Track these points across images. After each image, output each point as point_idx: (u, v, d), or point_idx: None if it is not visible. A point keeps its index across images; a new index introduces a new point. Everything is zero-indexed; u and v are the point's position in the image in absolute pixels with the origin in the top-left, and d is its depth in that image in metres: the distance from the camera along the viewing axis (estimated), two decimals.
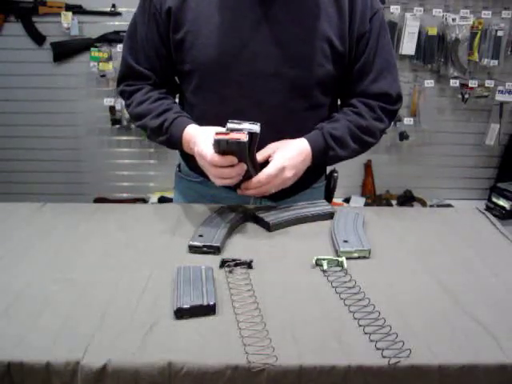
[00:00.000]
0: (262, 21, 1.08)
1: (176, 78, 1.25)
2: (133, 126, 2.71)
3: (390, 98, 1.18)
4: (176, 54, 1.15)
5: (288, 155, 1.08)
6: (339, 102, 1.28)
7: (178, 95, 1.29)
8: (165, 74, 1.21)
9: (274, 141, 1.12)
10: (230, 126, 0.94)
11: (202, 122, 1.15)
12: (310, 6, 1.09)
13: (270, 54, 1.09)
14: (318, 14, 1.09)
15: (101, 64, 2.58)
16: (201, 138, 1.03)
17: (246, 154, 0.96)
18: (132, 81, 1.21)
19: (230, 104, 1.13)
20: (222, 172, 0.99)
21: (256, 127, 0.95)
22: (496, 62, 2.60)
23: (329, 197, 1.34)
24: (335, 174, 1.33)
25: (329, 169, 1.35)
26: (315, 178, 1.30)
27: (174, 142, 1.13)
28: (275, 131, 1.10)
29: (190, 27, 1.09)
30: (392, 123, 2.80)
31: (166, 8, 1.10)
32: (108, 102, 2.67)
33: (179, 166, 1.37)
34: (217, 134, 0.93)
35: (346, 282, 0.86)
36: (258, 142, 0.98)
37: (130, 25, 1.20)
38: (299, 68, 1.10)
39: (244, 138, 0.92)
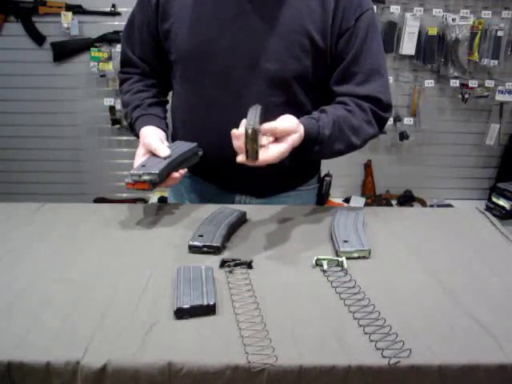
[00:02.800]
0: (241, 13, 1.09)
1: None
2: None
3: (380, 104, 1.13)
4: (164, 44, 1.18)
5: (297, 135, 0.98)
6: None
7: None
8: (155, 64, 1.25)
9: None
10: (133, 172, 1.02)
11: (187, 110, 1.22)
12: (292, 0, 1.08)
13: (246, 46, 1.10)
14: (299, 9, 1.08)
15: (101, 64, 2.58)
16: (138, 152, 1.11)
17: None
18: (126, 68, 1.28)
19: (209, 94, 1.16)
20: None
21: (152, 177, 1.00)
22: (496, 61, 2.60)
23: (321, 201, 1.32)
24: (328, 178, 1.29)
25: (322, 172, 1.34)
26: (303, 179, 1.29)
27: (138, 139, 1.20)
28: None
29: (175, 18, 1.13)
30: (392, 123, 2.81)
31: (155, 0, 1.14)
32: (108, 102, 2.67)
33: None
34: (127, 183, 1.03)
35: (346, 281, 0.86)
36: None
37: (130, 14, 1.25)
38: (275, 61, 1.10)
39: (148, 187, 1.02)
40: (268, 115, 1.11)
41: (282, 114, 1.11)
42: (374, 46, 1.12)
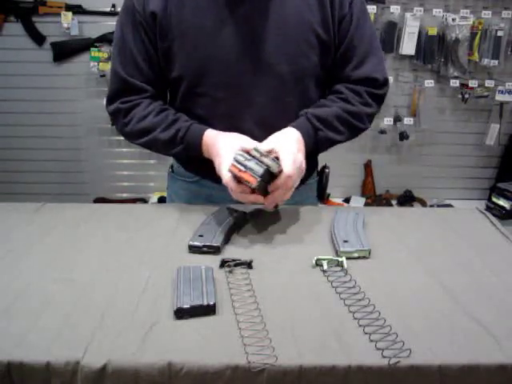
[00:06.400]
0: (243, 21, 1.08)
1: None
2: None
3: (376, 82, 1.17)
4: (164, 62, 1.14)
5: (295, 150, 1.03)
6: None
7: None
8: (160, 83, 1.18)
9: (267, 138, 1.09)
10: (238, 157, 0.95)
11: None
12: None
13: (255, 53, 1.09)
14: (299, 6, 1.09)
15: (101, 64, 2.58)
16: (223, 152, 1.03)
17: (257, 190, 0.97)
18: (127, 97, 1.16)
19: (222, 105, 1.14)
20: (236, 194, 1.00)
21: (262, 169, 0.94)
22: (496, 61, 2.60)
23: (321, 193, 1.33)
24: (327, 170, 1.31)
25: (320, 164, 1.35)
26: (308, 173, 1.30)
27: (192, 149, 1.11)
28: (268, 129, 1.09)
29: (174, 34, 1.09)
30: (392, 123, 2.81)
31: (149, 12, 1.08)
32: None
33: (172, 167, 1.38)
34: (233, 165, 0.95)
35: (346, 282, 0.86)
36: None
37: (116, 38, 1.15)
38: (286, 64, 1.10)
39: (254, 183, 0.94)
40: (282, 118, 1.13)
41: (296, 114, 1.13)
42: (366, 28, 1.16)
